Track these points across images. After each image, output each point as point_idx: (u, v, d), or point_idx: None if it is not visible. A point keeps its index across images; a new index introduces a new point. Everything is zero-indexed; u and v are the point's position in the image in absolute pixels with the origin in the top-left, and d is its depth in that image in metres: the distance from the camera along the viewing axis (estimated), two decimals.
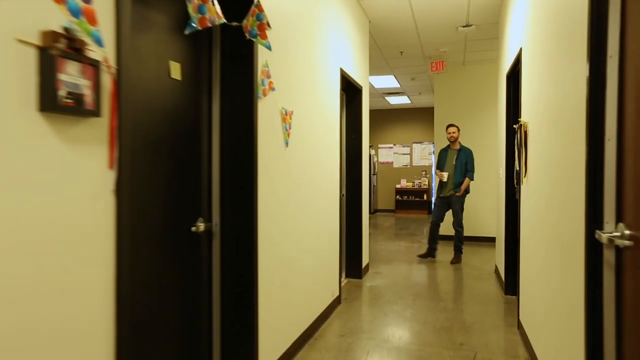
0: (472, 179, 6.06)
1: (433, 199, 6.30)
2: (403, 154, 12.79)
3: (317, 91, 3.50)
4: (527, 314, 3.24)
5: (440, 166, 6.14)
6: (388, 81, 9.14)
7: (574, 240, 1.97)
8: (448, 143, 6.24)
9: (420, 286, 4.87)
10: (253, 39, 2.32)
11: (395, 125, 12.89)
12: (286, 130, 2.86)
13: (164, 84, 1.98)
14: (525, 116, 3.29)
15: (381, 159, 13.03)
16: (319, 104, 3.55)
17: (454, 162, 6.04)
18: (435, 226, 6.12)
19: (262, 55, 2.50)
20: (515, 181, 3.73)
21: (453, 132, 6.10)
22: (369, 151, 11.98)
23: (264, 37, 2.35)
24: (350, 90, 5.04)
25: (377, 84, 9.39)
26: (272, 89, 2.63)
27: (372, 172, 12.12)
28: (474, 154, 7.89)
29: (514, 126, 3.52)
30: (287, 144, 2.88)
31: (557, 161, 2.29)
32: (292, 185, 3.00)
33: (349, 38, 4.53)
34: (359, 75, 5.01)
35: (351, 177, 5.13)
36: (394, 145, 12.95)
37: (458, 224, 6.05)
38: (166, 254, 2.00)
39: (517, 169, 3.55)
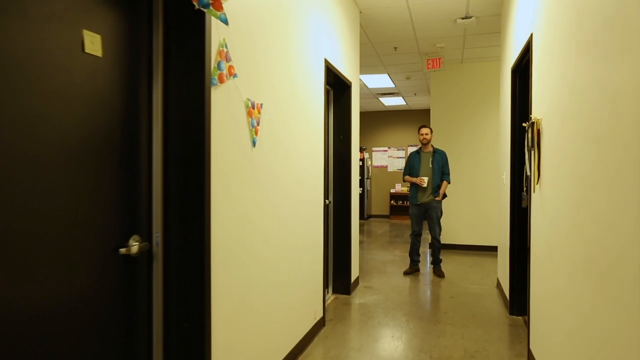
0: (449, 182, 5.60)
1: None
2: (398, 158, 12.32)
3: (295, 82, 3.01)
4: (540, 344, 2.76)
5: (414, 171, 5.59)
6: (382, 80, 8.67)
7: (617, 266, 1.49)
8: (420, 146, 5.72)
9: (415, 304, 4.38)
10: (204, 10, 1.84)
11: (390, 127, 12.43)
12: (253, 126, 2.36)
13: (72, 61, 1.48)
14: (537, 112, 2.81)
15: (375, 163, 12.55)
16: (297, 98, 3.06)
17: (431, 165, 5.53)
18: (418, 238, 5.64)
19: (219, 32, 2.02)
20: (524, 188, 3.25)
21: (426, 134, 5.59)
22: (363, 154, 11.56)
23: (219, 7, 1.86)
24: (338, 86, 4.56)
25: (371, 83, 8.92)
26: (233, 75, 2.14)
27: (365, 177, 11.64)
28: (470, 157, 7.49)
29: (524, 124, 3.04)
30: (254, 143, 2.38)
31: (589, 165, 1.80)
32: (261, 193, 2.50)
33: (335, 27, 4.05)
34: (347, 69, 4.53)
35: (339, 183, 4.63)
36: (389, 148, 12.48)
37: (437, 233, 5.57)
38: (74, 287, 1.50)
39: (527, 173, 3.07)
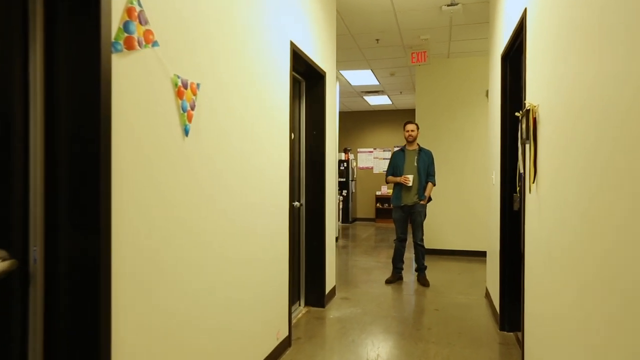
0: (434, 184, 5.16)
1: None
2: (384, 159, 11.90)
3: (248, 63, 2.56)
4: None
5: (398, 170, 5.14)
6: (365, 77, 8.26)
7: None
8: (405, 143, 5.28)
9: (396, 318, 3.93)
10: None
11: (375, 127, 12.03)
12: (185, 110, 1.90)
13: None
14: (533, 98, 2.39)
15: (360, 164, 12.13)
16: (251, 82, 2.60)
17: (416, 164, 5.08)
18: (403, 244, 5.18)
19: None
20: (517, 187, 2.82)
21: (412, 131, 5.14)
22: (348, 155, 11.12)
23: None
24: (310, 76, 4.11)
25: (354, 80, 8.51)
26: (152, 43, 1.68)
27: (350, 179, 11.21)
28: (457, 155, 7.06)
29: (517, 114, 2.62)
30: (186, 131, 1.92)
31: (610, 162, 1.37)
32: (201, 196, 2.04)
33: (306, 9, 3.61)
34: (321, 58, 4.09)
35: (312, 183, 4.18)
36: (374, 149, 12.08)
37: (421, 238, 5.13)
38: None
39: (521, 170, 2.65)
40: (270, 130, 2.89)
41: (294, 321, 3.74)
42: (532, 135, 2.30)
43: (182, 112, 1.88)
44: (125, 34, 1.53)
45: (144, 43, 1.63)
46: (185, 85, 1.90)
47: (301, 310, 4.06)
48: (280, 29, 3.04)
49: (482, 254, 6.38)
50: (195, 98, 1.98)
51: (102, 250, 1.43)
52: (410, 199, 5.07)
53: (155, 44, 1.69)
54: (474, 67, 6.81)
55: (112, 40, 1.47)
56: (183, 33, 1.89)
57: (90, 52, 1.41)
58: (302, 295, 4.15)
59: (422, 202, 5.06)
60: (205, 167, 2.08)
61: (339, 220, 9.74)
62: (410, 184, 5.01)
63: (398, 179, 5.09)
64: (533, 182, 2.35)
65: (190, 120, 1.94)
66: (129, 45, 1.55)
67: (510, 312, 3.50)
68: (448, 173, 6.86)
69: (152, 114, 1.70)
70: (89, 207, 1.43)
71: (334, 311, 4.10)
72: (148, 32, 1.65)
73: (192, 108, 1.96)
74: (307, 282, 4.17)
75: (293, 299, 3.92)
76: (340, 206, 10.48)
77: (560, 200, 1.88)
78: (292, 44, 3.26)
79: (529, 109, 2.34)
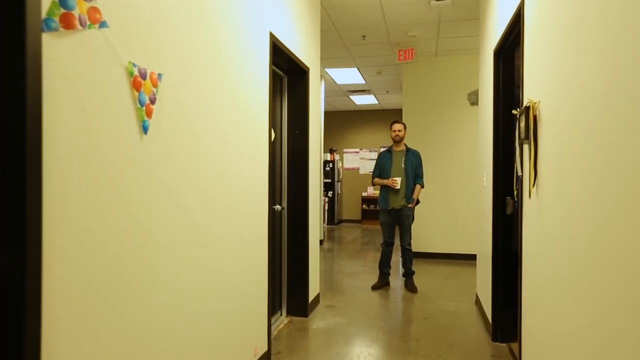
0: (423, 186, 4.95)
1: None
2: (370, 160, 11.72)
3: (221, 52, 2.31)
4: None
5: (385, 172, 4.92)
6: (351, 76, 8.05)
7: None
8: (391, 144, 5.04)
9: (383, 328, 3.72)
10: None
11: (361, 128, 11.84)
12: (143, 104, 1.65)
13: None
14: (533, 94, 2.19)
15: (346, 165, 11.93)
16: (224, 75, 2.36)
17: (403, 166, 4.85)
18: (390, 248, 4.96)
19: None
20: (515, 191, 2.62)
21: (399, 130, 4.91)
22: (333, 156, 10.90)
23: None
24: (293, 72, 3.88)
25: (340, 79, 8.29)
26: (99, 23, 1.43)
27: (335, 179, 10.99)
28: (445, 155, 6.89)
29: (514, 111, 2.42)
30: (145, 128, 1.67)
31: (636, 170, 1.17)
32: (169, 203, 1.79)
33: (287, 0, 3.38)
34: (304, 52, 3.86)
35: (294, 185, 3.94)
36: (361, 149, 11.88)
37: (408, 242, 4.91)
38: None
39: (518, 173, 2.45)
40: (247, 127, 2.65)
41: (274, 333, 3.51)
42: (533, 135, 2.10)
43: (139, 106, 1.63)
44: (62, 10, 1.28)
45: (87, 22, 1.38)
46: (143, 75, 1.65)
47: (283, 320, 3.82)
48: (258, 17, 2.80)
49: (470, 257, 6.23)
50: (156, 90, 1.73)
51: (29, 265, 1.18)
52: (398, 202, 4.86)
53: (103, 24, 1.44)
54: (462, 65, 6.64)
55: (44, 16, 1.22)
56: (140, 14, 1.64)
57: (13, 29, 1.16)
58: (284, 304, 3.91)
59: (410, 205, 4.86)
60: (170, 170, 1.83)
61: (324, 222, 9.52)
62: (398, 186, 4.80)
63: (385, 182, 4.87)
64: (533, 186, 2.15)
65: (149, 116, 1.69)
66: (67, 24, 1.30)
67: (503, 322, 3.31)
68: (435, 173, 6.69)
69: (102, 107, 1.44)
70: (17, 217, 1.18)
71: (317, 321, 3.87)
72: (94, 10, 1.40)
73: (152, 102, 1.71)
74: (290, 290, 3.94)
75: (274, 308, 3.70)
76: (326, 207, 10.27)
77: (570, 209, 1.68)
78: (271, 35, 3.02)
79: (529, 106, 2.13)
